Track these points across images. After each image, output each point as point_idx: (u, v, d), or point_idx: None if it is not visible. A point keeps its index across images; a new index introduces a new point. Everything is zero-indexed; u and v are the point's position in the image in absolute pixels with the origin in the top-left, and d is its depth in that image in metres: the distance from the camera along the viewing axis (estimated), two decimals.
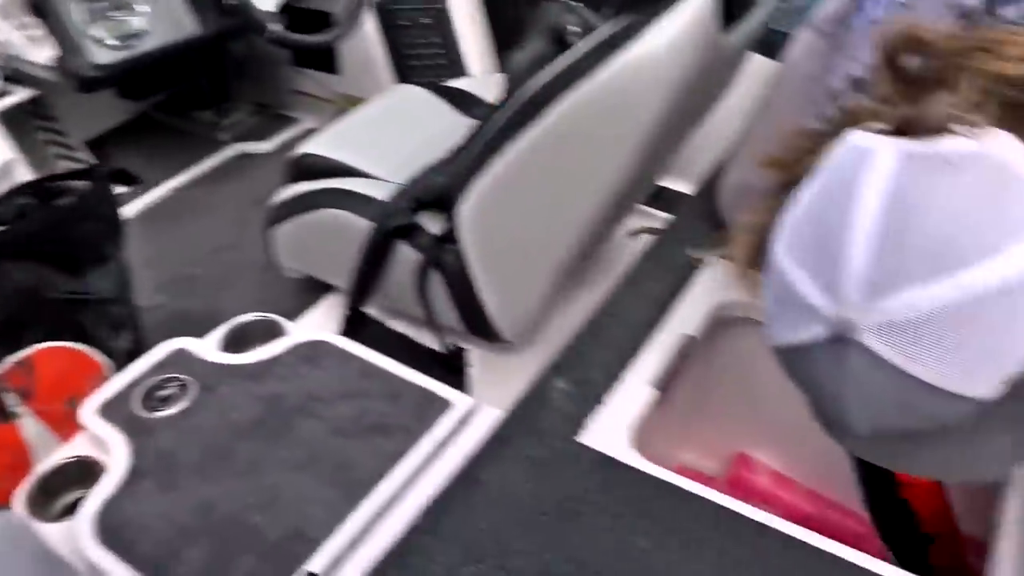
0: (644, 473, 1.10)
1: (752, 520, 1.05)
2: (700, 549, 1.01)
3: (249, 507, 1.27)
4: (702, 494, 1.08)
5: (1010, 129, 0.61)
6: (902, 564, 1.18)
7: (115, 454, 1.26)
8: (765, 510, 1.14)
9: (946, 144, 0.60)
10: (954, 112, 0.61)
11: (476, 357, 1.77)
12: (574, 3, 1.62)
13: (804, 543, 1.03)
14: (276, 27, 2.04)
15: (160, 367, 1.48)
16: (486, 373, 1.73)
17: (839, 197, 0.62)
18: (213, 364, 1.52)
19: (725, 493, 1.27)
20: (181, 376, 1.48)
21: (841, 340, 0.61)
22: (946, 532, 1.27)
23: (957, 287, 0.57)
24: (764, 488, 1.65)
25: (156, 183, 2.42)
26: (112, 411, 1.33)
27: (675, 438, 1.63)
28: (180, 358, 1.52)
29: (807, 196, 0.67)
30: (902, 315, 0.59)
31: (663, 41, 1.20)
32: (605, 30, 1.26)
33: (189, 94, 2.63)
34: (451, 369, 1.75)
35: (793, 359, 0.68)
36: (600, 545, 1.00)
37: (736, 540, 1.02)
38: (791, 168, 0.74)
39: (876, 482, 1.28)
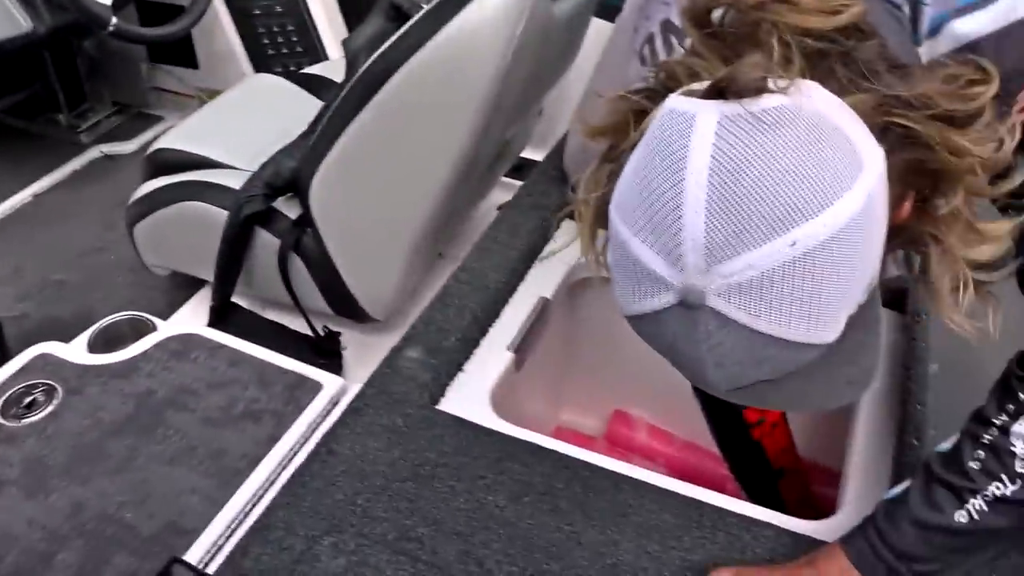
0: (501, 434, 1.14)
1: (605, 469, 1.10)
2: (555, 500, 1.05)
3: (122, 505, 1.28)
4: (558, 449, 1.13)
5: (819, 80, 0.64)
6: (755, 499, 1.25)
7: None
8: (644, 465, 1.19)
9: (762, 103, 0.61)
10: (765, 72, 0.61)
11: (351, 339, 1.79)
12: None
13: (656, 487, 1.08)
14: (119, 21, 1.99)
15: (22, 374, 1.47)
16: (361, 353, 1.75)
17: (666, 165, 0.62)
18: (80, 366, 1.51)
19: (605, 452, 1.32)
20: (46, 381, 1.47)
21: (690, 305, 0.62)
22: (792, 467, 1.34)
23: (792, 243, 0.59)
24: (642, 443, 1.71)
25: (11, 192, 2.34)
26: None
27: (551, 400, 1.68)
28: (45, 363, 1.50)
29: (634, 165, 0.67)
30: (744, 276, 0.60)
31: (488, 10, 1.23)
32: (435, 2, 1.29)
33: (43, 97, 2.55)
34: (326, 353, 1.76)
35: (646, 326, 0.68)
36: (457, 506, 1.04)
37: (589, 489, 1.07)
38: (616, 134, 0.75)
39: (726, 425, 1.34)
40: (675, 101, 0.64)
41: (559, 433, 1.66)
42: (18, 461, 1.32)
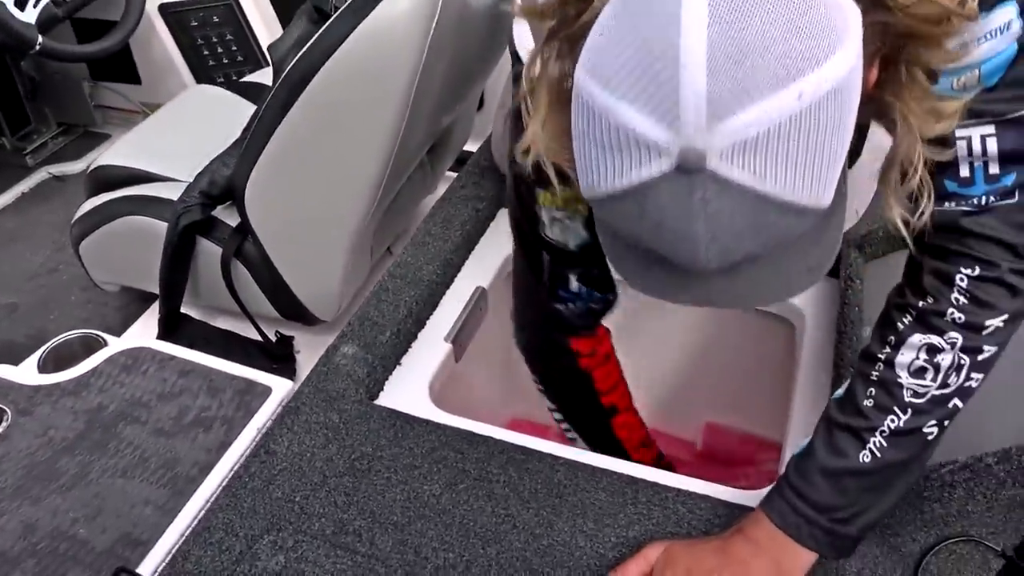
0: (436, 423, 1.15)
1: (538, 451, 1.11)
2: (489, 485, 1.07)
3: (75, 521, 1.28)
4: (493, 436, 1.14)
5: None
6: (591, 444, 1.25)
7: None
8: None
9: None
10: None
11: (304, 342, 1.80)
12: None
13: (590, 466, 1.10)
14: (47, 40, 1.98)
15: None
16: (315, 355, 1.75)
17: (656, 21, 0.58)
18: (30, 387, 1.51)
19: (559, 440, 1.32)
20: None
21: (687, 171, 0.58)
22: (624, 407, 1.28)
23: (799, 95, 0.56)
24: None
25: None
26: None
27: (502, 391, 1.69)
28: None
29: (610, 28, 0.62)
30: (750, 133, 0.56)
31: (401, 4, 1.24)
32: (351, 1, 1.30)
33: None
34: (279, 357, 1.77)
35: (625, 205, 0.62)
36: (393, 497, 1.05)
37: (523, 473, 1.08)
38: (563, 6, 0.70)
39: (552, 355, 1.24)
40: None
41: (514, 424, 1.67)
42: None
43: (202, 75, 2.52)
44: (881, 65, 0.69)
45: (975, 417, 0.93)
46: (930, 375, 0.87)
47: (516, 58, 1.02)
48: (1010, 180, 0.81)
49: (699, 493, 1.06)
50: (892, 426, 0.88)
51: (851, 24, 0.60)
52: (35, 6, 1.98)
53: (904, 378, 0.87)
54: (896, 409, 0.88)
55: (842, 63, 0.58)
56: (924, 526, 0.96)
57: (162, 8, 2.42)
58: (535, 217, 1.05)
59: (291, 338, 1.78)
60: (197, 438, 1.40)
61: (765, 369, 1.50)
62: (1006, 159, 0.80)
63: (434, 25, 1.28)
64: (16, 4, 1.94)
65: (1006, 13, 0.74)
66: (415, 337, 1.32)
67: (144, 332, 1.88)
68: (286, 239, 1.56)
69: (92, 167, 1.87)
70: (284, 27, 2.43)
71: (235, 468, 1.34)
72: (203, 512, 1.27)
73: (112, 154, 1.87)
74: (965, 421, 0.90)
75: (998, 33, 0.75)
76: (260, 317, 1.71)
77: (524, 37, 0.96)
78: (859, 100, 0.62)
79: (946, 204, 0.82)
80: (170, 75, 2.53)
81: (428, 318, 1.35)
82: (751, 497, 1.06)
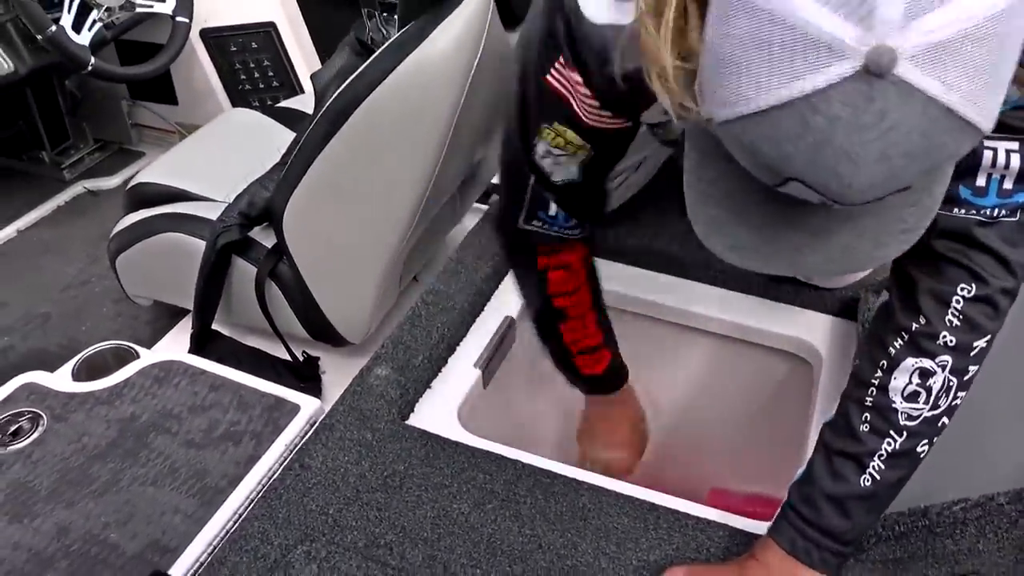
0: (465, 445, 1.19)
1: (563, 476, 1.15)
2: (516, 506, 1.10)
3: (107, 525, 1.32)
4: (520, 459, 1.18)
5: None
6: (541, 337, 1.26)
7: None
8: None
9: None
10: None
11: (328, 362, 1.84)
12: (375, 13, 1.71)
13: (613, 492, 1.13)
14: (98, 61, 2.06)
15: (8, 403, 1.51)
16: (339, 376, 1.80)
17: None
18: (65, 394, 1.55)
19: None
20: (32, 409, 1.51)
21: (872, 76, 0.53)
22: (576, 315, 1.24)
23: None
24: None
25: None
26: None
27: (525, 416, 1.72)
28: (29, 392, 1.55)
29: None
30: (947, 33, 0.52)
31: (445, 42, 1.30)
32: (397, 36, 1.35)
33: (26, 135, 2.61)
34: (305, 377, 1.81)
35: (785, 119, 0.56)
36: (424, 513, 1.09)
37: (549, 495, 1.12)
38: None
39: (518, 251, 1.24)
40: None
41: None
42: (3, 487, 1.36)
43: (238, 99, 2.59)
44: None
45: (988, 456, 0.98)
46: (923, 398, 0.90)
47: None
48: (1021, 197, 0.83)
49: (718, 522, 1.09)
50: (889, 449, 0.91)
51: None
52: (89, 30, 2.06)
53: (899, 403, 0.90)
54: (892, 433, 0.91)
55: None
56: (935, 563, 0.99)
57: (203, 33, 2.50)
58: (530, 144, 1.06)
59: (317, 358, 1.82)
60: (227, 451, 1.44)
61: (780, 412, 1.53)
62: (1022, 177, 0.82)
63: (476, 63, 1.33)
64: (73, 27, 2.02)
65: None
66: (445, 362, 1.36)
67: (174, 346, 1.92)
68: (321, 263, 1.60)
69: (131, 184, 1.92)
70: (320, 55, 2.52)
71: (263, 482, 1.38)
72: (234, 522, 1.31)
73: (151, 172, 1.92)
74: (978, 460, 0.95)
75: None
76: (289, 337, 1.75)
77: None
78: None
79: (955, 210, 0.84)
80: (207, 97, 2.60)
81: (458, 344, 1.40)
82: (763, 526, 1.08)
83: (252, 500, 1.34)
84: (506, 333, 1.44)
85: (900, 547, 0.99)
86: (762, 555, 0.99)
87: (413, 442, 1.18)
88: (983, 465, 1.01)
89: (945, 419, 0.92)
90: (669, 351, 1.57)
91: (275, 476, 1.25)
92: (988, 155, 0.81)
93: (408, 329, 1.36)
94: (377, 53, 1.38)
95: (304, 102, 2.18)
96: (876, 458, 0.92)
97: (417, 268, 1.90)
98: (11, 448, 1.43)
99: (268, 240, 1.66)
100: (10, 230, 2.41)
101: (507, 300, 1.49)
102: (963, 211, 0.84)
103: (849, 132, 0.55)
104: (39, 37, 1.97)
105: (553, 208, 1.13)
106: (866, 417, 0.92)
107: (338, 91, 1.41)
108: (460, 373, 1.35)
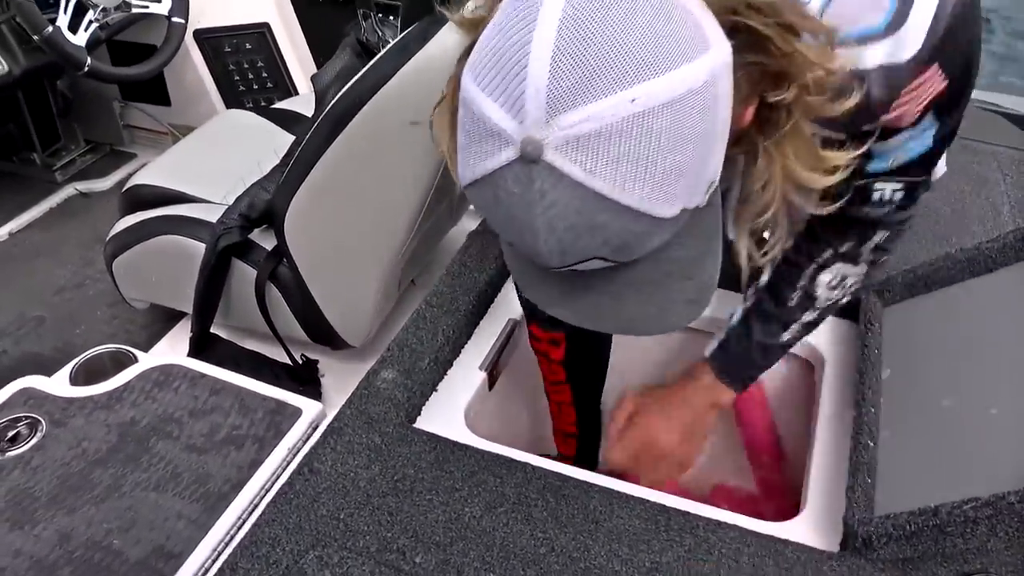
0: (475, 449, 1.19)
1: (574, 479, 1.15)
2: (528, 509, 1.10)
3: (109, 531, 1.31)
4: (530, 462, 1.18)
5: None
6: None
7: None
8: None
9: None
10: None
11: (327, 366, 1.84)
12: (371, 14, 1.71)
13: (624, 494, 1.14)
14: (94, 61, 2.05)
15: (5, 408, 1.50)
16: (338, 379, 1.80)
17: (519, 17, 0.63)
18: (63, 399, 1.54)
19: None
20: (30, 414, 1.50)
21: (528, 159, 0.62)
22: (557, 400, 1.45)
23: (632, 100, 0.60)
24: None
25: None
26: None
27: (530, 417, 1.72)
28: (27, 397, 1.54)
29: (489, 30, 0.67)
30: (583, 129, 0.60)
31: (447, 46, 1.30)
32: (399, 39, 1.35)
33: (17, 136, 2.59)
34: (304, 380, 1.80)
35: (484, 191, 0.67)
36: (435, 517, 1.09)
37: (560, 498, 1.12)
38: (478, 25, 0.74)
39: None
40: None
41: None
42: (3, 493, 1.35)
43: (232, 100, 2.58)
44: (759, 106, 0.74)
45: (997, 454, 0.99)
46: (837, 291, 1.16)
47: None
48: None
49: (727, 523, 1.09)
50: (806, 319, 1.18)
51: (711, 51, 0.64)
52: (85, 30, 2.05)
53: (822, 290, 1.15)
54: (812, 307, 1.17)
55: (684, 79, 0.62)
56: (945, 561, 1.00)
57: (197, 33, 2.48)
58: None
59: (316, 362, 1.82)
60: (229, 455, 1.43)
61: (784, 412, 1.54)
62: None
63: None
64: (69, 28, 2.01)
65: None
66: (451, 365, 1.36)
67: (172, 349, 1.92)
68: (322, 265, 1.60)
69: (128, 186, 1.91)
70: (315, 56, 2.51)
71: (266, 486, 1.38)
72: (237, 527, 1.30)
73: (148, 174, 1.92)
74: (987, 458, 0.96)
75: (921, 132, 0.94)
76: (288, 340, 1.75)
77: None
78: (719, 130, 0.67)
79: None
80: (200, 99, 2.59)
81: (463, 347, 1.40)
82: (776, 528, 1.10)
83: (255, 504, 1.34)
84: (510, 335, 1.44)
85: (910, 546, 0.99)
86: (699, 375, 1.24)
87: (422, 445, 1.18)
88: (992, 463, 1.02)
89: (844, 300, 1.19)
90: (673, 352, 1.58)
91: (280, 480, 1.25)
92: (876, 195, 1.03)
93: (413, 332, 1.35)
94: (379, 55, 1.38)
95: (299, 103, 2.18)
96: (796, 323, 1.18)
97: (416, 271, 1.90)
98: (10, 454, 1.42)
99: (268, 242, 1.66)
100: (2, 233, 2.39)
101: (510, 302, 1.49)
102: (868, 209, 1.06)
103: (522, 207, 0.64)
104: (36, 38, 1.97)
105: None
106: (795, 295, 1.17)
107: (340, 93, 1.40)
108: (466, 376, 1.35)
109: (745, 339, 1.22)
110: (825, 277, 1.15)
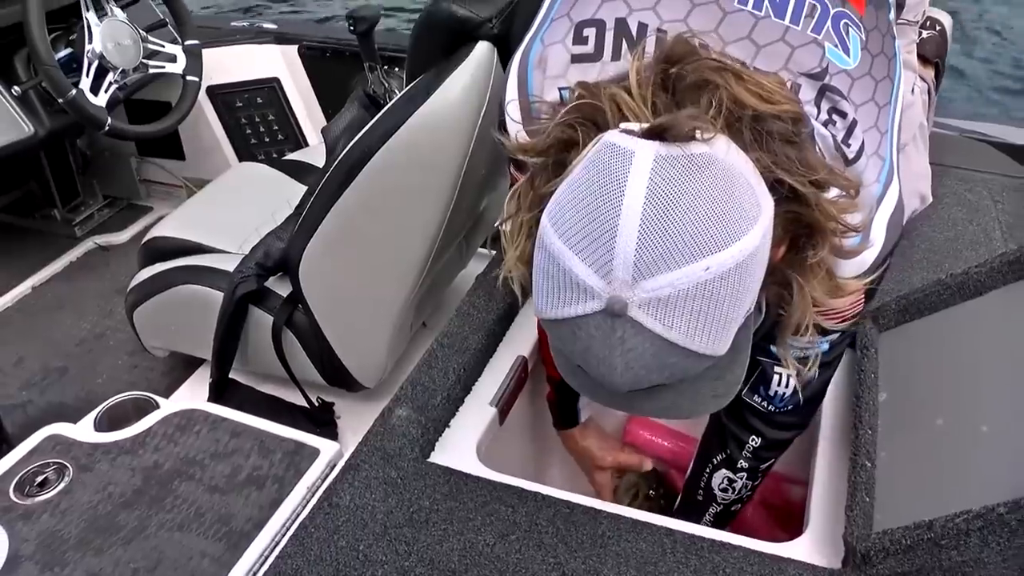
0: (487, 480, 1.23)
1: (582, 506, 1.19)
2: (539, 536, 1.14)
3: (136, 571, 1.35)
4: (541, 491, 1.22)
5: (731, 136, 0.78)
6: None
7: None
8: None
9: (692, 148, 0.73)
10: (698, 123, 0.75)
11: (342, 407, 1.89)
12: (376, 67, 1.78)
13: (631, 519, 1.17)
14: (114, 120, 2.13)
15: (34, 454, 1.55)
16: (353, 420, 1.85)
17: (606, 191, 0.73)
18: (88, 444, 1.58)
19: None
20: (57, 460, 1.55)
21: (613, 314, 0.72)
22: None
23: (706, 268, 0.71)
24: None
25: (11, 285, 2.46)
26: None
27: (541, 451, 1.76)
28: (54, 444, 1.58)
29: (572, 187, 0.77)
30: (664, 292, 0.71)
31: (452, 98, 1.36)
32: (405, 91, 1.42)
33: (38, 194, 2.67)
34: (321, 422, 1.85)
35: (563, 329, 0.77)
36: (450, 546, 1.13)
37: (570, 525, 1.16)
38: (544, 152, 0.87)
39: None
40: (614, 137, 0.76)
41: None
42: (34, 536, 1.39)
43: (244, 153, 2.66)
44: (790, 245, 0.86)
45: (986, 466, 1.02)
46: (730, 493, 1.36)
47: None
48: (790, 400, 1.24)
49: (731, 543, 1.13)
50: (713, 511, 1.39)
51: (762, 214, 0.75)
52: (106, 91, 2.14)
53: (717, 492, 1.37)
54: (714, 503, 1.38)
55: (747, 245, 0.73)
56: (944, 574, 1.04)
57: (210, 90, 2.57)
58: None
59: (332, 404, 1.87)
60: (250, 495, 1.47)
61: None
62: (793, 392, 1.24)
63: (482, 115, 1.40)
64: (91, 90, 2.10)
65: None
66: (462, 401, 1.41)
67: (192, 395, 1.97)
68: (336, 310, 1.66)
69: (146, 238, 1.98)
70: (323, 108, 2.59)
71: (287, 524, 1.42)
72: (260, 564, 1.34)
73: (165, 226, 1.98)
74: (977, 470, 1.00)
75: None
76: (304, 383, 1.80)
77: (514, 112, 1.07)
78: (763, 272, 0.78)
79: (755, 398, 1.25)
80: (213, 152, 2.67)
81: (474, 384, 1.44)
82: (779, 548, 1.14)
83: (277, 541, 1.38)
84: (519, 372, 1.49)
85: (907, 560, 1.03)
86: None
87: (436, 479, 1.23)
88: (984, 478, 1.06)
89: (744, 499, 1.38)
90: None
91: (300, 517, 1.29)
92: (776, 377, 1.21)
93: (426, 371, 1.40)
94: (387, 107, 1.45)
95: (310, 154, 2.24)
96: (707, 515, 1.39)
97: (427, 314, 1.95)
98: (39, 498, 1.46)
99: (283, 289, 1.71)
100: (25, 287, 2.46)
101: (519, 340, 1.53)
102: (759, 400, 1.25)
103: (602, 347, 0.75)
104: (60, 100, 2.05)
105: None
106: (700, 492, 1.38)
107: (350, 144, 1.47)
108: (477, 411, 1.40)
109: (683, 512, 1.42)
110: (716, 480, 1.35)
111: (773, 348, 1.11)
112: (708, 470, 1.36)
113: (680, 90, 0.81)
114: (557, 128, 0.85)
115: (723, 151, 0.75)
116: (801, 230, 0.85)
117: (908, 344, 1.39)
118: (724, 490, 1.36)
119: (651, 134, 0.74)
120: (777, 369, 1.20)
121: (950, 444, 1.16)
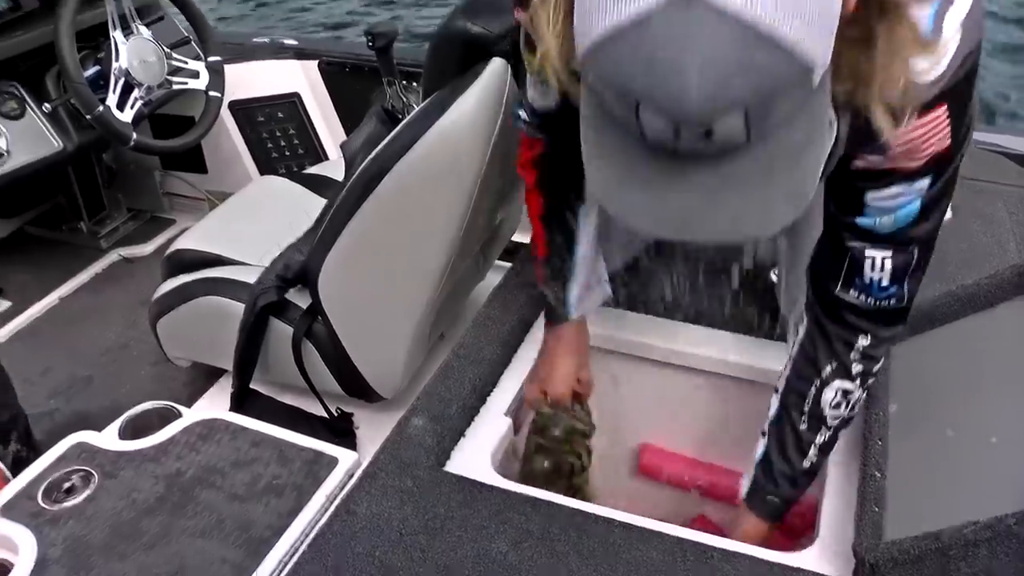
0: (501, 489, 1.26)
1: (595, 515, 1.21)
2: (552, 544, 1.16)
3: None
4: (555, 501, 1.25)
5: None
6: None
7: (22, 550, 1.34)
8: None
9: None
10: None
11: (361, 417, 1.91)
12: (395, 82, 1.81)
13: (643, 528, 1.19)
14: (139, 135, 2.18)
15: (61, 462, 1.58)
16: (372, 430, 1.87)
17: None
18: (113, 452, 1.62)
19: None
20: (83, 467, 1.58)
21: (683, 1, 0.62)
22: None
23: None
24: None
25: (39, 296, 2.52)
26: (15, 510, 1.42)
27: None
28: (80, 451, 1.61)
29: None
30: None
31: (467, 112, 1.39)
32: (422, 106, 1.45)
33: (65, 207, 2.73)
34: (340, 432, 1.88)
35: (620, 45, 0.66)
36: (465, 553, 1.15)
37: (582, 533, 1.18)
38: None
39: None
40: None
41: None
42: (60, 541, 1.42)
43: (265, 166, 2.70)
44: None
45: (994, 476, 1.04)
46: (843, 409, 1.23)
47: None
48: (894, 290, 1.13)
49: (741, 553, 1.15)
50: (819, 441, 1.26)
51: None
52: (131, 107, 2.19)
53: (828, 410, 1.23)
54: (823, 428, 1.25)
55: None
56: None
57: (232, 105, 2.61)
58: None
59: (351, 414, 1.90)
60: (270, 503, 1.50)
61: None
62: (894, 276, 1.11)
63: (496, 129, 1.42)
64: (117, 106, 2.15)
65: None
66: (477, 411, 1.43)
67: (213, 404, 2.00)
68: (356, 322, 1.68)
69: (169, 251, 2.01)
70: (343, 122, 2.62)
71: (306, 531, 1.45)
72: (279, 570, 1.37)
73: (188, 239, 2.02)
74: (985, 480, 1.01)
75: (913, 190, 1.02)
76: (324, 393, 1.82)
77: None
78: (839, 12, 0.69)
79: (851, 292, 1.15)
80: (235, 166, 2.72)
81: (489, 394, 1.47)
82: (789, 558, 1.16)
83: (296, 548, 1.40)
84: None
85: (916, 570, 1.04)
86: (745, 521, 1.33)
87: (451, 487, 1.25)
88: (993, 489, 1.07)
89: (854, 414, 1.26)
90: (667, 393, 1.65)
91: (319, 524, 1.32)
92: (868, 262, 1.11)
93: (442, 381, 1.43)
94: (404, 122, 1.48)
95: (329, 168, 2.28)
96: (813, 446, 1.26)
97: (444, 325, 1.98)
98: (66, 505, 1.49)
99: (303, 301, 1.74)
100: (52, 298, 2.51)
101: (533, 352, 1.55)
102: (855, 294, 1.15)
103: (671, 49, 0.64)
104: (88, 116, 2.10)
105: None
106: (805, 420, 1.25)
107: (368, 159, 1.50)
108: (492, 421, 1.42)
109: (770, 474, 1.29)
110: (828, 396, 1.23)
111: (859, 220, 1.06)
112: (815, 388, 1.23)
113: None
114: None
115: None
116: None
117: (919, 356, 1.40)
118: (836, 406, 1.23)
119: None
120: (868, 253, 1.10)
121: (960, 455, 1.17)
